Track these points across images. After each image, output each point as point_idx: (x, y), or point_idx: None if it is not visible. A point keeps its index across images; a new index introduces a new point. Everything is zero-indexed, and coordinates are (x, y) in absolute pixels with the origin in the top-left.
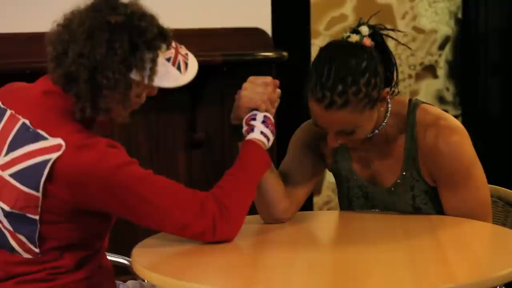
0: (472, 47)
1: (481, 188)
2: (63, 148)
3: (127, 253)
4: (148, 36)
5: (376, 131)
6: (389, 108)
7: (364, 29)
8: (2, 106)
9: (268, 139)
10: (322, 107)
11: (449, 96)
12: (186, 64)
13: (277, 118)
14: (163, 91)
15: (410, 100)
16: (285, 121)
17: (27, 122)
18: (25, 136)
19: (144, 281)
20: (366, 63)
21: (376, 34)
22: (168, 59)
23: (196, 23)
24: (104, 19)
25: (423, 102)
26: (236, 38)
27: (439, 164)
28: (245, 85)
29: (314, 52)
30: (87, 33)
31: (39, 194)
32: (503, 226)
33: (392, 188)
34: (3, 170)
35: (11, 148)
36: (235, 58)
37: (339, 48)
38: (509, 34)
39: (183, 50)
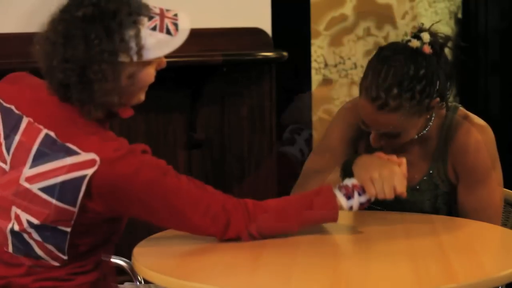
0: (472, 47)
1: (497, 191)
2: (98, 163)
3: (123, 254)
4: (120, 16)
5: (416, 136)
6: (433, 116)
7: (426, 36)
8: (16, 111)
9: (346, 208)
10: (374, 107)
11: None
12: (176, 25)
13: (276, 117)
14: (163, 89)
15: (447, 104)
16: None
17: (52, 134)
18: (53, 150)
19: (141, 283)
20: (424, 71)
21: (436, 42)
22: (154, 28)
23: (196, 23)
24: (73, 16)
25: (461, 106)
26: (236, 38)
27: (463, 159)
28: (384, 172)
29: (314, 52)
30: (62, 37)
31: (75, 209)
32: (504, 226)
33: (417, 186)
34: (31, 183)
35: (38, 161)
36: (235, 58)
37: (399, 51)
38: (509, 34)
39: (170, 13)
